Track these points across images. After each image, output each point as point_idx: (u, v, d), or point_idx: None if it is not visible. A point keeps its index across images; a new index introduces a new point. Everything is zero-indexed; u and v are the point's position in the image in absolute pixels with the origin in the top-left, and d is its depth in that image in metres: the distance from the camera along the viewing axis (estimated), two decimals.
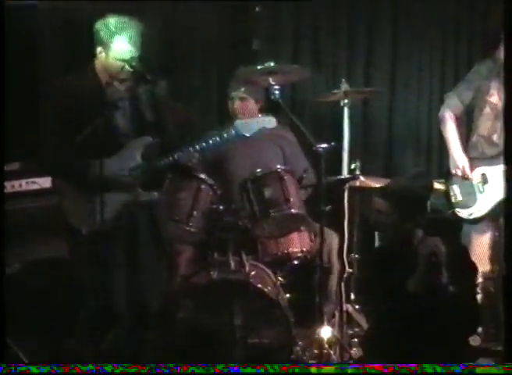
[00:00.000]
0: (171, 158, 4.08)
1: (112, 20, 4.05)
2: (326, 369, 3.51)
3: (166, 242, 4.37)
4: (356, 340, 4.38)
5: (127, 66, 4.07)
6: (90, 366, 3.25)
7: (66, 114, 4.06)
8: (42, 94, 4.56)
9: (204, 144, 4.10)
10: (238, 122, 4.15)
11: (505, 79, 3.67)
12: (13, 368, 3.11)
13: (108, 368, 3.26)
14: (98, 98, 4.10)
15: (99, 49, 4.10)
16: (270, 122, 4.19)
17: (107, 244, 4.01)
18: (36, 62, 4.86)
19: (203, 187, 4.10)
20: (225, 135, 4.10)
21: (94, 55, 4.14)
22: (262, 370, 3.26)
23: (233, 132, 4.10)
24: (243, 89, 4.57)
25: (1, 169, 3.80)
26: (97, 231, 3.98)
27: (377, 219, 3.62)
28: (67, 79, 4.29)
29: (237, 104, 4.59)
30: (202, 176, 4.14)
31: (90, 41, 4.16)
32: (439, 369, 3.19)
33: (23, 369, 3.15)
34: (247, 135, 4.14)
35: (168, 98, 4.21)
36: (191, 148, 4.08)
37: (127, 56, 4.04)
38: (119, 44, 4.04)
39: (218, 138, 4.10)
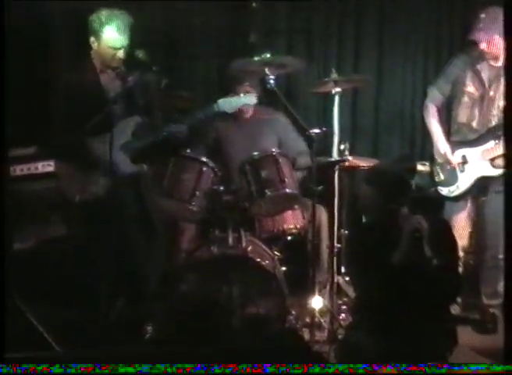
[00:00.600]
0: (159, 135, 4.29)
1: (104, 12, 4.25)
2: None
3: (155, 215, 4.54)
4: (345, 307, 4.51)
5: (119, 54, 4.26)
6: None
7: (68, 101, 4.28)
8: (47, 83, 4.69)
9: (189, 120, 4.30)
10: (221, 100, 4.31)
11: (505, 72, 3.78)
12: (14, 368, 3.01)
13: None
14: (96, 85, 4.33)
15: (92, 39, 4.32)
16: (250, 99, 4.36)
17: (100, 214, 4.18)
18: (43, 55, 4.98)
19: (205, 169, 4.22)
20: (207, 112, 4.29)
21: (89, 46, 4.35)
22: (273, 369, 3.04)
23: (216, 109, 4.28)
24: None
25: (4, 154, 3.84)
26: (90, 201, 4.20)
27: (365, 204, 3.68)
28: (68, 68, 4.53)
29: None
30: (204, 159, 4.26)
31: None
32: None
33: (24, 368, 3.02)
34: (229, 112, 4.33)
35: (159, 85, 4.36)
36: (178, 124, 4.28)
37: (117, 44, 4.24)
38: (108, 33, 4.24)
39: (201, 115, 4.30)
